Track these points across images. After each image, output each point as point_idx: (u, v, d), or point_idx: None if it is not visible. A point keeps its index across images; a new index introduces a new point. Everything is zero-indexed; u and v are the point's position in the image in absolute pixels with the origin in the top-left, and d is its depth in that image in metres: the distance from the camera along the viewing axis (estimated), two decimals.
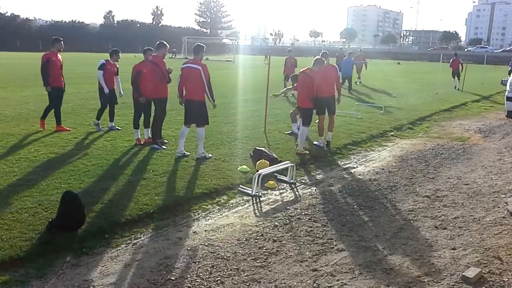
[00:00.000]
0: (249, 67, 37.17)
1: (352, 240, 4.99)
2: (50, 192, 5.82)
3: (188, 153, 7.95)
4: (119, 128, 10.03)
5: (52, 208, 5.23)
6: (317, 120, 9.33)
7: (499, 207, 6.10)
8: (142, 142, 8.72)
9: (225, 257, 4.54)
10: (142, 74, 8.48)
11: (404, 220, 5.62)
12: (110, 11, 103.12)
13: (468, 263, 4.47)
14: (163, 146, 8.46)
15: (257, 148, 8.15)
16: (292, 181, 7.03)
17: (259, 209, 5.94)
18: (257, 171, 6.75)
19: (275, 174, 7.13)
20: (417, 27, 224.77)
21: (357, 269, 4.34)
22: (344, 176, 7.55)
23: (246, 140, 9.38)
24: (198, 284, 4.03)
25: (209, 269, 4.29)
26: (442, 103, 16.86)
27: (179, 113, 11.03)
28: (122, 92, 10.22)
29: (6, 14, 77.59)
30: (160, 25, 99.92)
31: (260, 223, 5.43)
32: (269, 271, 4.29)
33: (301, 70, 8.77)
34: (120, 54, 10.10)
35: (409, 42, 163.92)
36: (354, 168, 8.05)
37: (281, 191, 6.69)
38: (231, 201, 6.15)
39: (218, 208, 5.87)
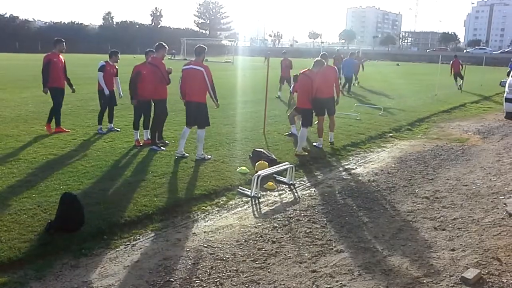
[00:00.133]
0: (248, 68, 37.21)
1: (351, 241, 4.99)
2: (49, 194, 5.81)
3: (187, 154, 7.95)
4: (118, 130, 10.03)
5: (51, 209, 5.23)
6: (316, 122, 9.33)
7: (498, 208, 6.10)
8: (141, 144, 8.72)
9: (224, 258, 4.53)
10: (141, 75, 8.48)
11: (403, 221, 5.63)
12: (109, 12, 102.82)
13: (467, 264, 4.47)
14: (162, 147, 8.47)
15: (256, 149, 8.15)
16: (291, 182, 7.03)
17: (258, 210, 5.94)
18: (256, 172, 6.75)
19: (274, 175, 7.13)
20: (416, 28, 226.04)
21: (356, 270, 4.34)
22: (343, 177, 7.55)
23: (245, 141, 9.38)
24: (197, 286, 4.03)
25: (208, 271, 4.28)
26: (441, 104, 16.88)
27: (177, 114, 11.06)
28: (121, 93, 10.22)
29: (5, 15, 77.45)
30: (159, 26, 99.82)
31: (259, 224, 5.43)
32: (268, 272, 4.29)
33: (301, 72, 8.78)
34: (119, 55, 10.11)
35: (408, 43, 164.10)
36: (353, 169, 8.06)
37: (280, 192, 6.69)
38: (230, 202, 6.15)
39: (217, 210, 5.87)
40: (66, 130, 9.72)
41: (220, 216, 5.67)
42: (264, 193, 6.56)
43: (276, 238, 5.03)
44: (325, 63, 9.22)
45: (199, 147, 7.89)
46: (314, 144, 9.26)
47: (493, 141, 10.77)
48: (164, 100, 8.60)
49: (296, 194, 6.65)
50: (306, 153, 8.58)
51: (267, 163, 7.44)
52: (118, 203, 5.67)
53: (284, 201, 6.30)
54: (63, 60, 9.60)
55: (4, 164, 7.07)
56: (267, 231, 5.23)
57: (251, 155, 8.01)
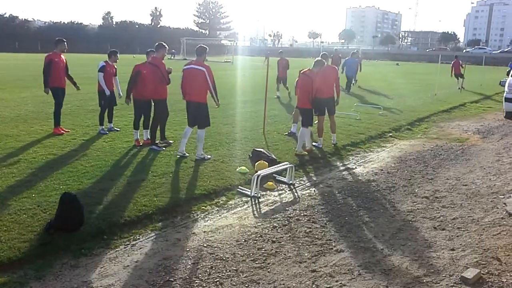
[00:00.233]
0: (248, 68, 37.21)
1: (351, 241, 5.00)
2: (49, 194, 5.81)
3: (187, 154, 7.95)
4: (118, 129, 10.03)
5: (51, 209, 5.23)
6: (316, 121, 9.34)
7: (497, 208, 6.10)
8: (141, 144, 8.72)
9: (224, 258, 4.54)
10: (141, 75, 8.48)
11: (403, 221, 5.63)
12: (109, 12, 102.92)
13: (467, 263, 4.47)
14: (162, 147, 8.47)
15: (256, 149, 8.15)
16: (291, 182, 7.03)
17: (258, 210, 5.94)
18: (256, 172, 6.75)
19: (274, 175, 7.13)
20: (415, 28, 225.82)
21: (356, 270, 4.34)
22: (343, 177, 7.55)
23: (245, 141, 9.38)
24: (197, 285, 4.03)
25: (208, 270, 4.28)
26: (441, 104, 16.89)
27: (177, 114, 11.06)
28: (121, 93, 10.21)
29: (5, 15, 77.42)
30: (158, 26, 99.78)
31: (259, 224, 5.43)
32: (268, 272, 4.29)
33: (302, 72, 8.78)
34: (118, 55, 10.11)
35: (407, 43, 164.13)
36: (353, 169, 8.06)
37: (280, 192, 6.69)
38: (230, 202, 6.15)
39: (217, 209, 5.87)
40: (66, 130, 9.70)
41: (220, 216, 5.67)
42: (264, 193, 6.56)
43: (276, 238, 5.03)
44: (325, 63, 9.23)
45: (199, 147, 7.89)
46: (314, 144, 9.25)
47: (492, 141, 10.78)
48: (164, 100, 8.61)
49: (295, 194, 6.65)
50: (306, 153, 8.58)
51: (266, 163, 7.44)
52: (118, 203, 5.67)
53: (283, 201, 6.30)
54: (64, 60, 9.59)
55: (3, 164, 7.06)
56: (267, 230, 5.23)
57: (251, 155, 8.01)
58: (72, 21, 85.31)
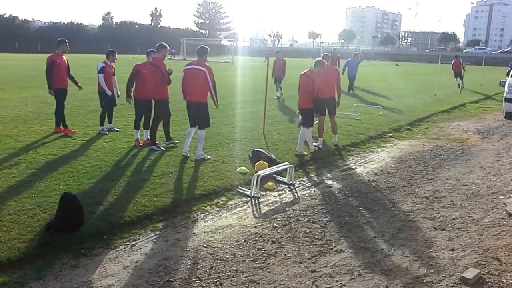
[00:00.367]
0: (248, 68, 37.21)
1: (351, 241, 5.00)
2: (49, 194, 5.81)
3: (188, 154, 7.95)
4: (118, 130, 10.03)
5: (51, 209, 5.23)
6: (316, 122, 9.34)
7: (497, 208, 6.11)
8: (141, 144, 8.72)
9: (224, 258, 4.54)
10: (141, 74, 8.50)
11: (403, 221, 5.63)
12: (109, 13, 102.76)
13: (467, 264, 4.47)
14: (162, 148, 8.47)
15: (256, 149, 8.15)
16: (291, 182, 7.03)
17: (258, 210, 5.94)
18: (256, 172, 6.75)
19: (274, 175, 7.13)
20: (415, 28, 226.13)
21: (356, 270, 4.34)
22: (343, 177, 7.55)
23: (245, 142, 9.39)
24: (197, 286, 4.03)
25: (208, 271, 4.28)
26: (441, 104, 16.89)
27: (177, 114, 11.05)
28: (119, 92, 10.22)
29: (5, 16, 77.36)
30: (158, 26, 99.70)
31: (259, 224, 5.43)
32: (268, 272, 4.29)
33: (302, 72, 8.78)
34: (116, 55, 10.10)
35: (407, 43, 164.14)
36: (353, 169, 8.06)
37: (280, 192, 6.69)
38: (230, 202, 6.15)
39: (217, 210, 5.87)
40: (73, 131, 9.69)
41: (219, 216, 5.67)
42: (264, 193, 6.56)
43: (276, 238, 5.03)
44: (325, 63, 9.24)
45: (199, 147, 7.89)
46: (314, 144, 9.25)
47: (492, 141, 10.78)
48: (165, 100, 8.59)
49: (295, 194, 6.65)
50: (306, 153, 8.58)
51: (266, 163, 7.44)
52: (118, 203, 5.67)
53: (283, 201, 6.30)
54: (66, 61, 9.60)
55: (3, 165, 7.07)
56: (266, 231, 5.23)
57: (251, 155, 8.01)
58: (72, 22, 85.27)
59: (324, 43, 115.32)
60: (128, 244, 4.78)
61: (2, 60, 38.78)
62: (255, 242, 4.93)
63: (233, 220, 5.55)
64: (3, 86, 18.29)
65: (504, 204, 6.22)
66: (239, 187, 6.64)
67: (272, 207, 6.04)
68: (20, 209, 5.29)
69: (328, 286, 4.07)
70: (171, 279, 4.11)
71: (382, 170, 7.98)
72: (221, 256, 4.58)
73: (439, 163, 8.53)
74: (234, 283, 4.08)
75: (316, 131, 9.50)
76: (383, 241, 5.01)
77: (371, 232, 5.26)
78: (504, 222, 5.57)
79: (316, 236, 5.11)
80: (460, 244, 4.94)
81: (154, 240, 4.91)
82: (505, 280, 4.16)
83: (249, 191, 6.44)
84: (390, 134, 11.17)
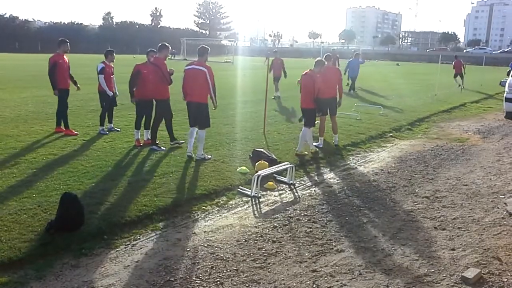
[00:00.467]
0: (248, 68, 37.22)
1: (351, 241, 4.99)
2: (49, 194, 5.81)
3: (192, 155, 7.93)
4: (118, 129, 10.03)
5: (51, 209, 5.23)
6: (317, 121, 9.34)
7: (498, 207, 6.10)
8: (141, 144, 8.72)
9: (224, 258, 4.54)
10: (141, 74, 8.51)
11: (403, 221, 5.63)
12: (109, 13, 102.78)
13: (467, 263, 4.47)
14: (162, 148, 8.47)
15: (256, 149, 8.15)
16: (291, 182, 7.03)
17: (259, 210, 5.94)
18: (256, 172, 6.75)
19: (274, 175, 7.13)
20: (415, 28, 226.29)
21: (356, 270, 4.34)
22: (343, 177, 7.55)
23: (245, 141, 9.39)
24: (197, 285, 4.03)
25: (208, 270, 4.28)
26: (441, 104, 16.88)
27: (177, 114, 11.02)
28: (117, 92, 10.21)
29: (5, 16, 77.41)
30: (159, 26, 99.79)
31: (259, 224, 5.43)
32: (269, 272, 4.29)
33: (303, 73, 8.79)
34: (114, 54, 10.09)
35: (408, 43, 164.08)
36: (353, 169, 8.06)
37: (281, 192, 6.69)
38: (231, 202, 6.15)
39: (218, 209, 5.87)
40: (75, 132, 9.68)
41: (220, 216, 5.67)
42: (264, 193, 6.56)
43: (276, 238, 5.03)
44: (327, 63, 9.26)
45: (199, 147, 7.89)
46: (315, 143, 9.26)
47: (493, 141, 10.78)
48: (166, 100, 8.53)
49: (296, 193, 6.65)
50: (307, 153, 8.58)
51: (267, 163, 7.44)
52: (118, 203, 5.67)
53: (284, 201, 6.30)
54: (67, 61, 9.60)
55: (4, 164, 7.07)
56: (267, 230, 5.23)
57: (251, 155, 8.01)
58: (72, 22, 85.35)
59: (324, 43, 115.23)
60: (129, 244, 4.78)
61: (3, 60, 38.79)
62: (255, 241, 4.93)
63: (234, 219, 5.55)
64: (3, 86, 18.30)
65: (505, 203, 6.22)
66: (240, 187, 6.64)
67: (273, 207, 6.04)
68: (21, 208, 5.29)
69: (328, 286, 4.07)
70: (172, 279, 4.11)
71: (382, 170, 7.98)
72: (222, 255, 4.58)
73: (440, 163, 8.53)
74: (235, 283, 4.08)
75: (317, 131, 9.51)
76: (383, 241, 5.01)
77: (371, 232, 5.26)
78: (505, 222, 5.56)
79: (317, 236, 5.11)
80: (461, 244, 4.94)
81: (154, 239, 4.91)
82: (506, 280, 4.16)
83: (250, 191, 6.44)
84: (391, 134, 11.17)
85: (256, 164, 7.51)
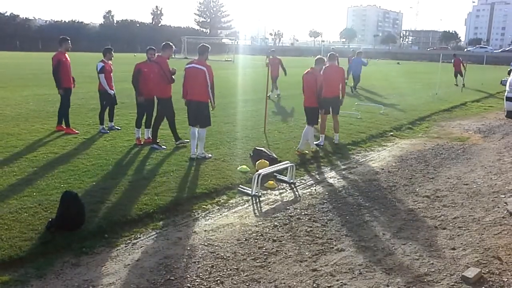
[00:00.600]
0: (249, 67, 37.19)
1: (352, 240, 5.00)
2: (50, 192, 5.82)
3: (194, 155, 7.89)
4: (119, 128, 10.03)
5: (52, 208, 5.24)
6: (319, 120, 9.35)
7: (498, 207, 6.10)
8: (141, 142, 8.72)
9: (224, 257, 4.54)
10: (142, 73, 8.52)
11: (403, 220, 5.63)
12: (110, 11, 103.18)
13: (467, 263, 4.47)
14: (163, 146, 8.46)
15: (257, 148, 8.15)
16: (291, 181, 7.03)
17: (259, 209, 5.94)
18: (257, 171, 6.75)
19: (274, 174, 7.13)
20: (416, 27, 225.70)
21: (356, 269, 4.34)
22: (343, 176, 7.55)
23: (246, 140, 9.39)
24: (197, 284, 4.03)
25: (208, 269, 4.29)
26: (442, 103, 16.87)
27: (178, 113, 11.02)
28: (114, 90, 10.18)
29: (6, 14, 77.42)
30: (159, 25, 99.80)
31: (259, 223, 5.43)
32: (269, 271, 4.29)
33: (305, 72, 8.79)
34: (113, 52, 10.06)
35: (408, 42, 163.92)
36: (353, 168, 8.05)
37: (281, 191, 6.69)
38: (231, 201, 6.15)
39: (218, 208, 5.87)
40: (76, 131, 9.69)
41: (220, 214, 5.67)
42: (265, 191, 6.56)
43: (277, 237, 5.03)
44: (329, 63, 9.28)
45: (200, 146, 7.88)
46: (316, 142, 9.26)
47: (494, 140, 10.77)
48: (167, 99, 8.45)
49: (296, 192, 6.65)
50: (307, 152, 8.58)
51: (267, 162, 7.44)
52: (119, 201, 5.68)
53: (284, 200, 6.30)
54: (68, 59, 9.61)
55: (5, 163, 7.08)
56: (267, 229, 5.24)
57: (252, 154, 8.01)
58: (73, 20, 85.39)
59: (325, 42, 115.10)
60: (129, 243, 4.78)
61: (3, 58, 38.80)
62: (256, 240, 4.93)
63: (234, 218, 5.55)
64: (4, 84, 18.31)
65: (505, 203, 6.21)
66: (240, 185, 6.64)
67: (273, 206, 6.04)
68: (21, 207, 5.29)
69: (329, 285, 4.07)
70: (172, 278, 4.11)
71: (383, 169, 7.97)
72: (222, 254, 4.58)
73: (440, 162, 8.53)
74: (235, 282, 4.08)
75: (317, 130, 9.50)
76: (384, 240, 5.01)
77: (372, 231, 5.26)
78: (505, 221, 5.56)
79: (317, 235, 5.11)
80: (461, 243, 4.94)
81: (155, 238, 4.92)
82: (506, 279, 4.16)
83: (250, 189, 6.44)
84: (391, 133, 11.17)
85: (257, 163, 7.51)
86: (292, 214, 5.74)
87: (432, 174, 7.70)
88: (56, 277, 4.06)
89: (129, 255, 4.53)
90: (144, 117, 8.83)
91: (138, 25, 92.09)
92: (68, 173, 6.66)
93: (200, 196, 6.14)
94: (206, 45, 7.96)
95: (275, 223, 5.42)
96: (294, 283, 4.08)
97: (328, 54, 9.72)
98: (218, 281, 4.08)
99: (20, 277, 4.01)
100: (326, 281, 4.13)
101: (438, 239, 5.04)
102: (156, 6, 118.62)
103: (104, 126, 9.78)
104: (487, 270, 4.32)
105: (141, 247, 4.71)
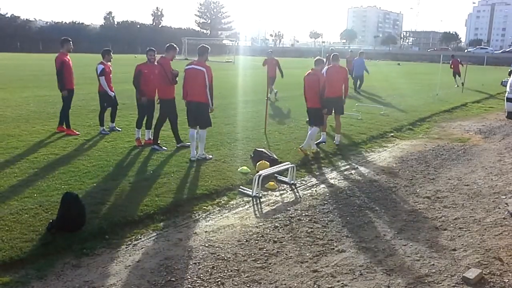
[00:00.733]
0: (249, 68, 37.20)
1: (352, 241, 4.99)
2: (51, 193, 5.82)
3: (194, 157, 7.88)
4: (120, 129, 10.03)
5: (53, 209, 5.24)
6: None
7: (499, 208, 6.10)
8: (142, 143, 8.72)
9: (225, 258, 4.54)
10: (142, 74, 8.52)
11: (404, 221, 5.62)
12: (110, 12, 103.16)
13: (468, 264, 4.47)
14: (163, 148, 8.46)
15: (257, 149, 8.15)
16: (292, 182, 7.03)
17: (260, 210, 5.94)
18: (257, 172, 6.75)
19: (275, 175, 7.13)
20: (417, 28, 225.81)
21: (357, 270, 4.34)
22: (344, 177, 7.55)
23: (246, 141, 9.39)
24: (198, 285, 4.03)
25: (209, 270, 4.29)
26: (442, 104, 16.87)
27: (179, 114, 11.04)
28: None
29: (6, 15, 77.43)
30: (160, 26, 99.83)
31: (260, 224, 5.43)
32: (270, 272, 4.29)
33: (306, 73, 8.79)
34: (111, 54, 10.05)
35: (409, 43, 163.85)
36: (354, 169, 8.05)
37: (282, 192, 6.69)
38: (232, 202, 6.15)
39: (219, 209, 5.87)
40: (77, 132, 9.68)
41: (221, 215, 5.67)
42: (265, 193, 6.56)
43: (277, 238, 5.03)
44: (325, 63, 9.29)
45: (200, 147, 7.88)
46: (318, 140, 9.28)
47: (494, 141, 10.76)
48: (169, 100, 8.39)
49: (297, 194, 6.64)
50: (309, 153, 8.58)
51: (268, 163, 7.44)
52: (119, 202, 5.68)
53: (285, 201, 6.30)
54: (70, 60, 9.62)
55: (5, 164, 7.08)
56: (268, 231, 5.23)
57: (252, 155, 8.01)
58: (74, 21, 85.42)
59: (325, 43, 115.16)
60: (130, 244, 4.78)
61: (4, 60, 38.82)
62: (256, 242, 4.93)
63: (235, 220, 5.55)
64: (5, 86, 18.32)
65: (506, 204, 6.21)
66: (241, 186, 6.64)
67: (274, 207, 6.04)
68: (22, 208, 5.29)
69: (329, 286, 4.07)
70: (173, 279, 4.11)
71: (383, 170, 7.97)
72: (223, 255, 4.58)
73: (441, 163, 8.52)
74: (236, 283, 4.08)
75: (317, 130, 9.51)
76: (384, 241, 5.01)
77: (373, 232, 5.26)
78: (506, 222, 5.56)
79: (318, 236, 5.11)
80: (462, 244, 4.93)
81: (155, 239, 4.92)
82: (507, 280, 4.15)
83: (251, 190, 6.44)
84: (392, 134, 11.16)
85: (257, 164, 7.50)
86: (293, 215, 5.74)
87: (432, 175, 7.69)
88: (57, 278, 4.06)
89: (129, 256, 4.53)
90: (145, 118, 8.82)
91: (138, 26, 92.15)
92: (69, 174, 6.66)
93: (200, 197, 6.14)
94: (206, 46, 7.95)
95: (276, 224, 5.42)
96: (295, 284, 4.08)
97: (332, 55, 9.73)
98: (219, 282, 4.08)
99: (20, 278, 4.01)
100: (326, 282, 4.13)
101: (439, 240, 5.04)
102: (157, 7, 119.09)
103: (104, 128, 9.78)
104: (488, 271, 4.32)
105: (142, 248, 4.71)
